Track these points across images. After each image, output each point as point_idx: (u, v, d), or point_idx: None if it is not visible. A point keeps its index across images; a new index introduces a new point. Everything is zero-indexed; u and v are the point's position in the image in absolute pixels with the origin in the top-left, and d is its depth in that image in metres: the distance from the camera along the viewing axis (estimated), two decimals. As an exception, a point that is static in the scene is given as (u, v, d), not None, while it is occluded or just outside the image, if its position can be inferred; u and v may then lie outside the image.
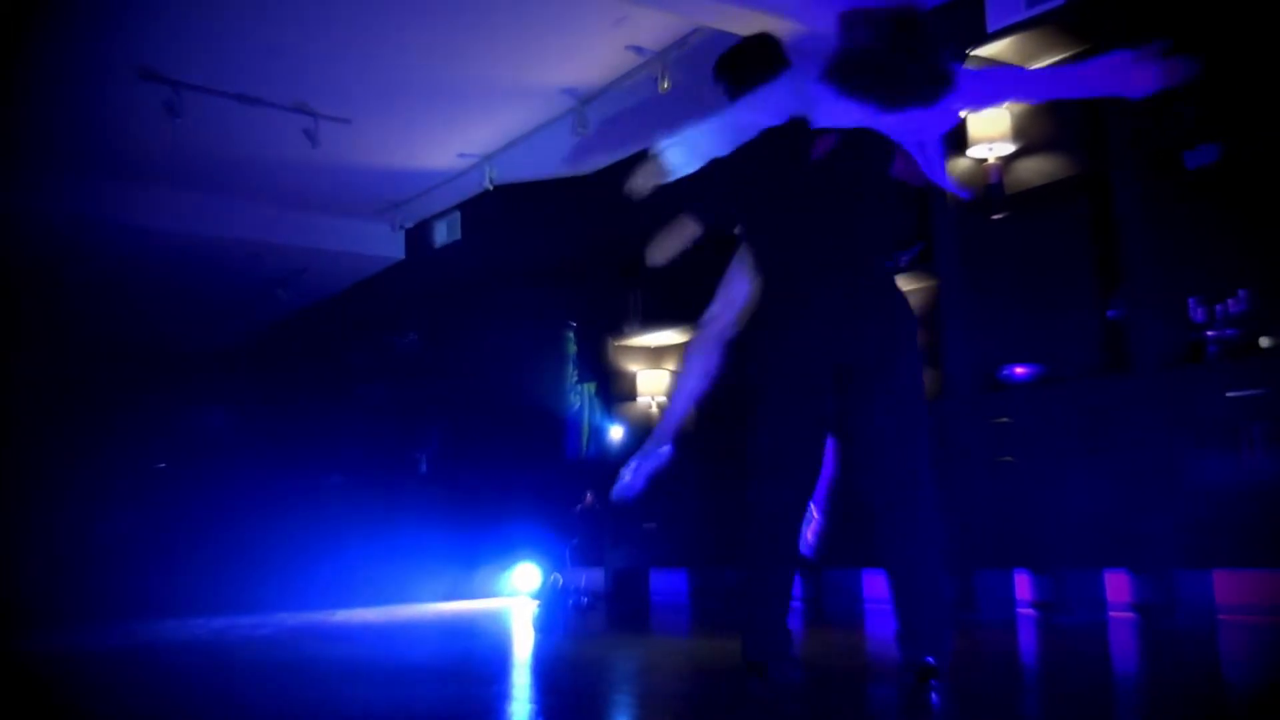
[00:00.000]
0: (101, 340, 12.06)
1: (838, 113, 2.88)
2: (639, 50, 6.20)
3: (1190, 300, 4.56)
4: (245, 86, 6.76)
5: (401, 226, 9.68)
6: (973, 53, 5.08)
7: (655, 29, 5.99)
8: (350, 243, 9.68)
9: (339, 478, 10.20)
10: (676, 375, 3.09)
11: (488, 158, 7.92)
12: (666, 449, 3.13)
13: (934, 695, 2.58)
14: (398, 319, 10.31)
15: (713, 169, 3.16)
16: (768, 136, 3.01)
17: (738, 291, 3.44)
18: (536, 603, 6.89)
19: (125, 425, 11.59)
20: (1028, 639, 4.32)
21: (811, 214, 2.98)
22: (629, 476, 3.18)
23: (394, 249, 9.91)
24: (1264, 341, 4.30)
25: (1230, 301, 4.46)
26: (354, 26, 6.05)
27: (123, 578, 8.25)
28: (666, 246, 3.49)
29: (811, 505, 3.27)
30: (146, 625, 6.10)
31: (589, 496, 7.31)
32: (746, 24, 5.54)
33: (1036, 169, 5.29)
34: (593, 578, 7.25)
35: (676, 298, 7.34)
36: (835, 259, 2.93)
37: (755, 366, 3.00)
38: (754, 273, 3.20)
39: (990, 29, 5.09)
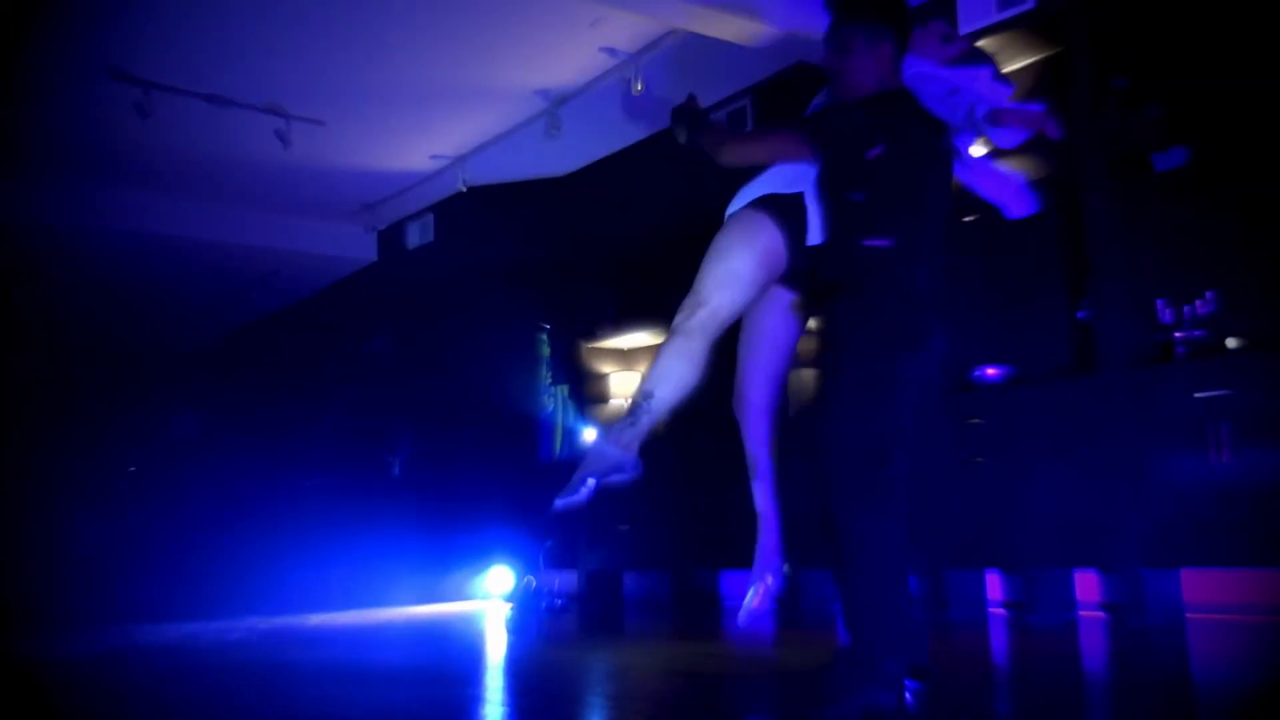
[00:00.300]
0: (71, 343, 11.95)
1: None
2: (612, 52, 6.21)
3: (1158, 301, 4.61)
4: (217, 87, 6.71)
5: (374, 228, 9.65)
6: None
7: (628, 31, 6.00)
8: (323, 245, 9.63)
9: (312, 480, 10.15)
10: (662, 361, 2.84)
11: (461, 159, 7.90)
12: (631, 472, 2.95)
13: (910, 696, 2.60)
14: (371, 321, 10.27)
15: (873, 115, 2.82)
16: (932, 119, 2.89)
17: (750, 276, 3.01)
18: (510, 605, 6.87)
19: (95, 429, 11.50)
20: (999, 639, 4.35)
21: (941, 225, 2.84)
22: (583, 490, 2.96)
23: (367, 251, 9.86)
24: (1231, 342, 4.34)
25: (1198, 302, 4.50)
26: (327, 27, 6.02)
27: (93, 583, 8.18)
28: (709, 139, 3.15)
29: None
30: (115, 631, 6.05)
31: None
32: (720, 26, 5.56)
33: (1006, 171, 5.31)
34: (566, 580, 7.24)
35: (649, 300, 7.36)
36: (941, 285, 2.79)
37: (883, 391, 2.66)
38: (856, 262, 2.77)
39: (962, 31, 5.12)
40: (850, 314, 2.68)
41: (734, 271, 2.95)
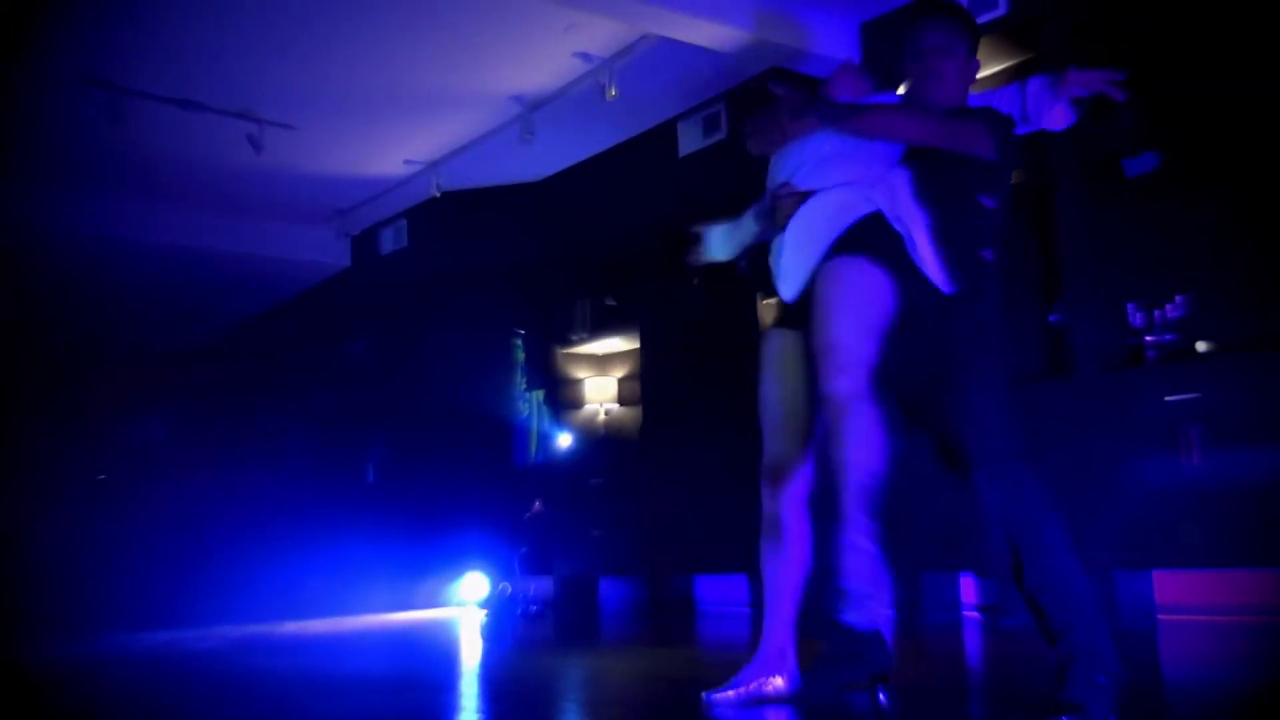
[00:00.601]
0: (40, 347, 11.83)
1: None
2: (586, 57, 6.20)
3: (1129, 305, 4.64)
4: (189, 92, 6.67)
5: (348, 234, 9.61)
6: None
7: (602, 36, 5.99)
8: (296, 250, 9.57)
9: (285, 486, 10.09)
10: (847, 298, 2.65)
11: (434, 164, 7.88)
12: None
13: (882, 695, 2.60)
14: (344, 327, 10.23)
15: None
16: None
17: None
18: (485, 612, 6.85)
19: (64, 434, 11.38)
20: (973, 640, 4.37)
21: None
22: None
23: (340, 256, 9.82)
24: (1201, 346, 4.38)
25: (1169, 306, 4.54)
26: (299, 32, 5.99)
27: (62, 591, 8.10)
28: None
29: None
30: (85, 641, 6.00)
31: (537, 504, 7.29)
32: (693, 32, 5.56)
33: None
34: (541, 586, 7.23)
35: (624, 305, 7.36)
36: None
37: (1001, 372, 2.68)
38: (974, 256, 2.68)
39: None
40: (979, 322, 2.61)
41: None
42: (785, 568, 2.84)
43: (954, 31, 2.80)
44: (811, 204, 2.82)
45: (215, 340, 12.14)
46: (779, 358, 2.91)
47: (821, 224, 2.79)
